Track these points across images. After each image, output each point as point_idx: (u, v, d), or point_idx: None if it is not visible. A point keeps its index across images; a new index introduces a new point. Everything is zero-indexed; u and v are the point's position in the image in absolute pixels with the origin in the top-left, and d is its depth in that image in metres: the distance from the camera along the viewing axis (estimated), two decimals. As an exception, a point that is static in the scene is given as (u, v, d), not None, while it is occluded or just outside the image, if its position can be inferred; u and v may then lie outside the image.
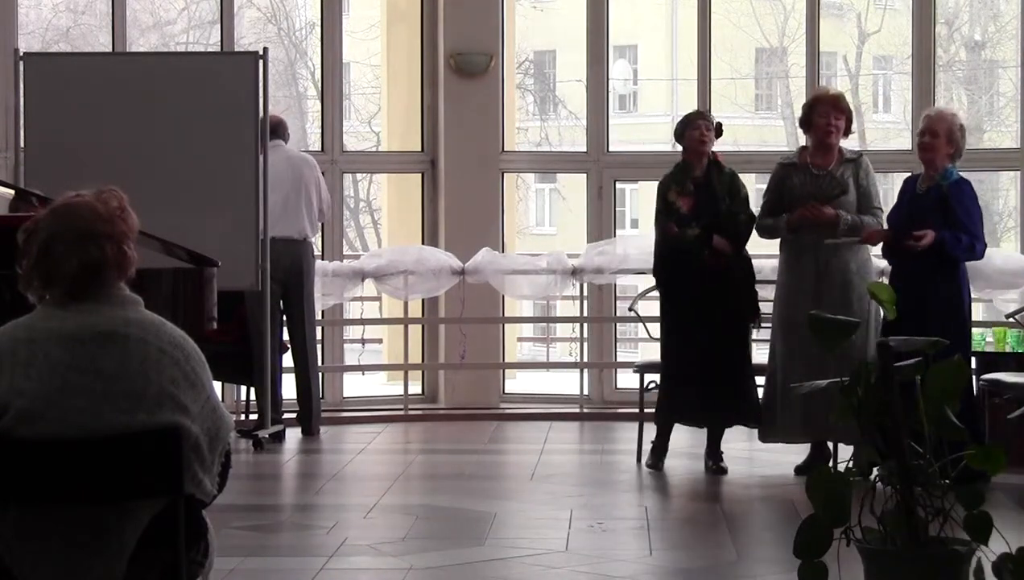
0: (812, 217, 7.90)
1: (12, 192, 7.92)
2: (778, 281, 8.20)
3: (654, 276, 8.42)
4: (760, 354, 8.54)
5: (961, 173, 7.84)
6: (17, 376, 3.49)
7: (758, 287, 8.25)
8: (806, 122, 8.10)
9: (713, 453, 8.20)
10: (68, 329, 3.53)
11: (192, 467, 3.54)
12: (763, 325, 8.23)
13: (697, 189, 8.13)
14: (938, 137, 7.73)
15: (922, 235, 7.54)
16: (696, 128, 8.16)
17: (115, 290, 3.60)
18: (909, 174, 8.24)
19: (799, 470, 8.01)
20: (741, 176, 8.41)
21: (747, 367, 8.16)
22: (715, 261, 8.02)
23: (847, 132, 8.11)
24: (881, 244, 7.88)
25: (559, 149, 16.63)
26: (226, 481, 3.69)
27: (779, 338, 8.05)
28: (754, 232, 8.20)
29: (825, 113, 8.02)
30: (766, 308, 8.23)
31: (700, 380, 8.04)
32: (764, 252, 8.93)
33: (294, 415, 9.59)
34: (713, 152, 8.20)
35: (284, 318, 9.55)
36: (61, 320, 3.54)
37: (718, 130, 8.26)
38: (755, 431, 8.28)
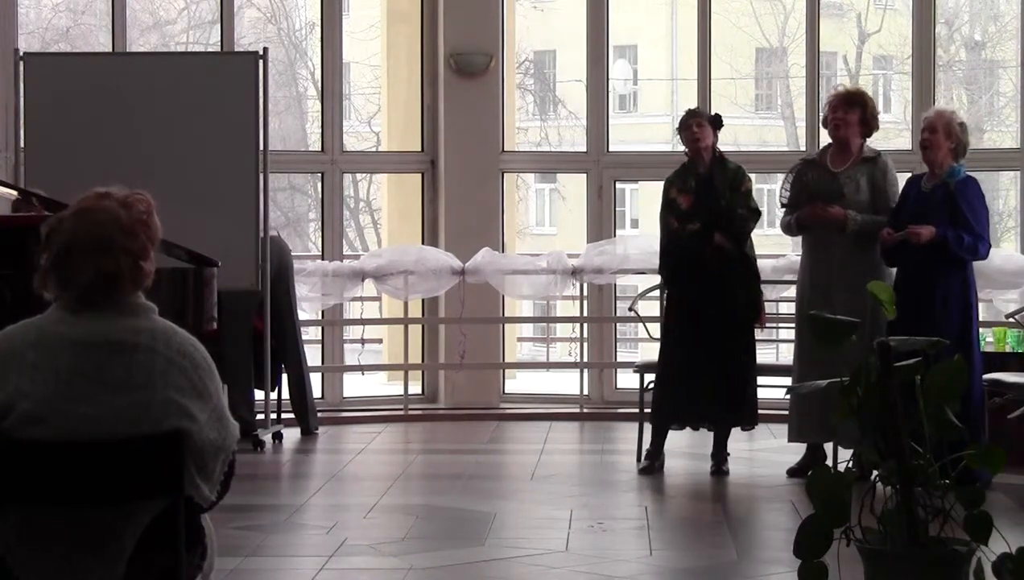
0: (819, 217, 7.88)
1: (15, 193, 7.93)
2: (798, 280, 8.21)
3: (659, 274, 8.42)
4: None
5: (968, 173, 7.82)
6: (23, 379, 3.49)
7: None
8: (824, 120, 8.11)
9: (717, 454, 8.17)
10: (78, 335, 3.52)
11: (191, 473, 3.53)
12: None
13: (698, 185, 8.12)
14: (936, 133, 7.67)
15: (919, 229, 7.51)
16: (687, 128, 8.17)
17: (129, 298, 3.58)
18: (911, 173, 8.18)
19: (791, 472, 7.98)
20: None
21: (748, 368, 8.10)
22: (718, 258, 8.02)
23: (868, 129, 8.01)
24: (879, 247, 7.82)
25: (559, 149, 16.61)
26: (228, 488, 3.67)
27: (797, 337, 8.05)
28: (777, 230, 8.13)
29: (833, 108, 8.01)
30: (782, 308, 8.20)
31: (691, 381, 8.01)
32: (766, 252, 8.92)
33: (292, 415, 9.60)
34: (718, 149, 8.19)
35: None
36: (72, 326, 3.53)
37: (716, 122, 8.24)
38: (755, 431, 8.27)
